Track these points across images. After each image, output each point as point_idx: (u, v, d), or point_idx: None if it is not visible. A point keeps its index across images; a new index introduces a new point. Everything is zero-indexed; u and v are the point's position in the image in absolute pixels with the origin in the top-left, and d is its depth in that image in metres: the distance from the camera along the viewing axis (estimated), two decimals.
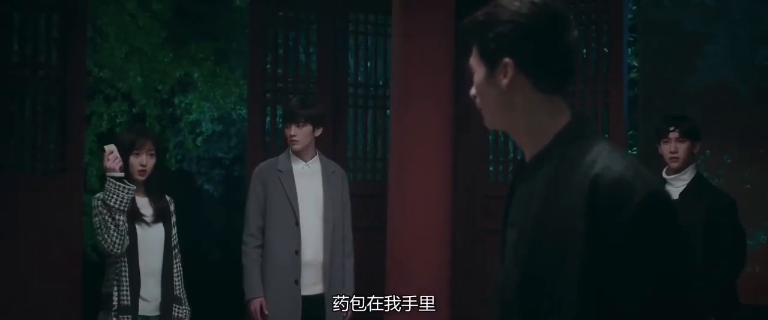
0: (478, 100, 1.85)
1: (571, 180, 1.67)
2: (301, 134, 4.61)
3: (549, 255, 1.68)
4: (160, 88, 10.93)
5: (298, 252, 4.55)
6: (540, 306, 1.70)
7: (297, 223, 4.57)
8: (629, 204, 1.59)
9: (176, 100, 11.18)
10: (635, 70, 9.27)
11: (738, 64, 8.03)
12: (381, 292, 5.08)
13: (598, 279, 1.62)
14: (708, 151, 8.27)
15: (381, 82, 6.36)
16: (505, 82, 1.76)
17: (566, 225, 1.65)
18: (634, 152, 9.03)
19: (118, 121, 10.88)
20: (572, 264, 1.63)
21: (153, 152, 4.00)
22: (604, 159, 1.66)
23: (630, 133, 9.81)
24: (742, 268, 4.46)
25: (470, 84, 1.86)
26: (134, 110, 10.95)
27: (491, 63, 1.78)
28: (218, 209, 12.77)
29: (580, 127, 1.76)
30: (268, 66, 6.06)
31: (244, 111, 9.74)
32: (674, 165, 4.46)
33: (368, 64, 6.49)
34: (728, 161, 8.23)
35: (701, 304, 1.67)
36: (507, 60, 1.75)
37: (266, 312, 4.55)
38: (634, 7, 9.13)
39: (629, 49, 9.86)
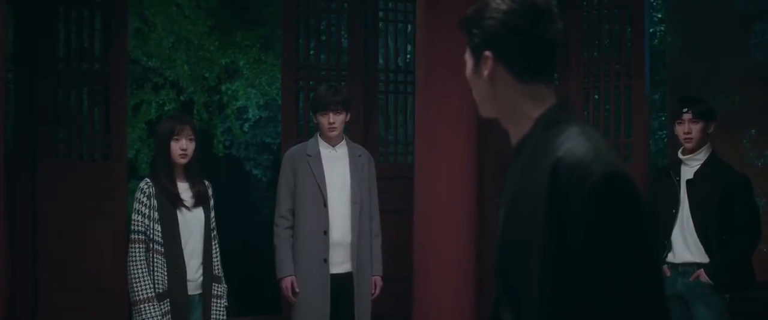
0: (473, 91, 2.03)
1: (541, 163, 1.82)
2: (338, 121, 4.81)
3: (520, 231, 1.85)
4: (206, 75, 11.20)
5: (326, 233, 4.75)
6: (513, 278, 1.88)
7: (325, 205, 4.76)
8: (585, 184, 1.71)
9: (223, 87, 11.43)
10: (674, 48, 9.17)
11: None
12: (410, 272, 5.29)
13: (559, 255, 1.75)
14: (753, 131, 8.24)
15: (410, 68, 6.53)
16: (486, 73, 1.93)
17: (533, 205, 1.80)
18: (664, 135, 8.96)
19: (166, 108, 11.18)
20: (537, 239, 1.79)
21: (192, 137, 4.18)
22: (570, 142, 1.79)
23: (663, 115, 9.82)
24: (757, 244, 4.55)
25: None
26: (182, 98, 11.25)
27: (476, 56, 1.96)
28: (267, 193, 12.96)
29: (557, 113, 1.90)
30: (301, 52, 6.27)
31: None
32: (688, 145, 4.58)
33: (398, 51, 6.66)
34: None
35: (656, 289, 1.73)
36: (487, 53, 1.92)
37: (297, 290, 4.76)
38: None
39: (663, 29, 9.86)
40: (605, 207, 1.70)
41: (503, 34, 1.90)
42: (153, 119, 11.14)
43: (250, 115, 11.95)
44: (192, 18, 10.69)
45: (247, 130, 12.22)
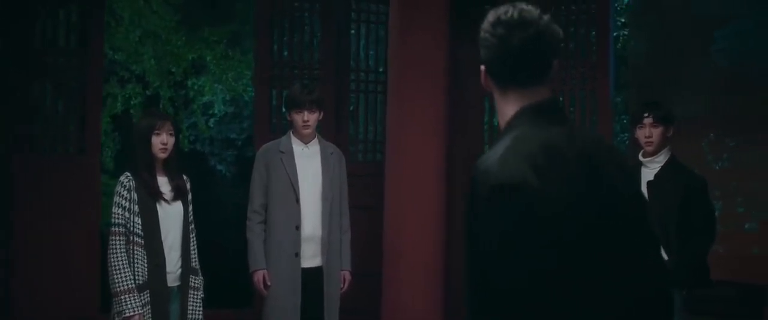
0: None
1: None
2: (312, 119, 4.93)
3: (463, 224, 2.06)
4: (173, 70, 11.20)
5: (298, 228, 4.87)
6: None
7: (297, 200, 4.89)
8: (474, 191, 1.93)
9: (189, 82, 11.46)
10: (637, 53, 9.34)
11: (747, 47, 8.04)
12: (378, 267, 5.42)
13: (468, 249, 1.96)
14: (712, 135, 8.45)
15: (381, 69, 6.65)
16: (483, 83, 2.15)
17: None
18: (626, 137, 9.13)
19: (132, 102, 11.18)
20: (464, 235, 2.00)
21: (172, 132, 4.30)
22: (492, 149, 2.00)
23: (625, 118, 10.03)
24: (712, 245, 4.72)
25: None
26: (148, 92, 11.25)
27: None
28: (231, 189, 12.98)
29: (515, 118, 2.06)
30: (275, 49, 6.37)
31: None
32: (649, 148, 4.74)
33: (370, 52, 6.79)
34: (732, 144, 8.37)
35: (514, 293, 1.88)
36: (482, 66, 2.13)
37: (269, 283, 4.87)
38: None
39: (627, 33, 10.06)
40: (482, 214, 1.90)
41: (484, 47, 2.09)
42: (119, 113, 11.15)
43: (216, 111, 11.99)
44: (160, 12, 10.71)
45: (212, 125, 12.25)
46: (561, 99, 6.44)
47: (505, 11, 2.06)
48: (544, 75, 2.06)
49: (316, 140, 5.04)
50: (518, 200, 1.86)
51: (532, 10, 2.05)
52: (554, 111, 2.07)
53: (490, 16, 2.07)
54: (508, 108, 2.09)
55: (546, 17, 2.04)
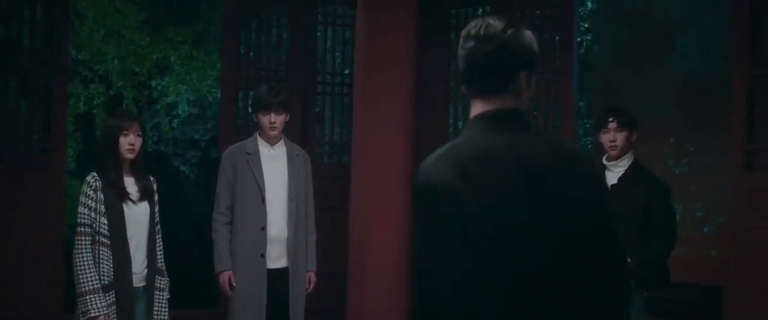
0: None
1: None
2: (279, 121, 4.95)
3: None
4: (137, 70, 11.14)
5: (264, 229, 4.88)
6: None
7: (263, 202, 4.90)
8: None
9: (153, 83, 11.40)
10: (601, 58, 9.49)
11: (707, 54, 8.18)
12: (343, 268, 5.45)
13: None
14: (673, 140, 8.59)
15: (347, 71, 6.68)
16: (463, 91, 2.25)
17: None
18: (589, 141, 9.22)
19: (95, 102, 11.11)
20: None
21: (140, 133, 4.30)
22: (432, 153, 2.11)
23: (588, 122, 10.16)
24: (673, 247, 4.81)
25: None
26: (111, 92, 11.18)
27: None
28: (194, 190, 12.93)
29: (466, 125, 2.18)
30: (241, 51, 6.38)
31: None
32: (613, 153, 4.82)
33: (336, 54, 6.82)
34: (692, 149, 8.52)
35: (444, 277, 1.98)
36: None
37: (234, 284, 4.88)
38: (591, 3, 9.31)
39: (590, 38, 10.19)
40: (413, 208, 2.07)
41: (458, 59, 2.19)
42: (81, 113, 11.07)
43: (180, 111, 11.94)
44: (124, 11, 10.66)
45: (176, 126, 12.20)
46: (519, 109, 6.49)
47: (475, 25, 2.15)
48: (506, 85, 2.12)
49: (282, 142, 5.06)
50: (437, 200, 1.97)
51: (496, 25, 2.11)
52: (508, 119, 2.12)
53: (464, 31, 2.16)
54: (472, 114, 2.17)
55: (511, 31, 2.10)
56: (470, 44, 2.12)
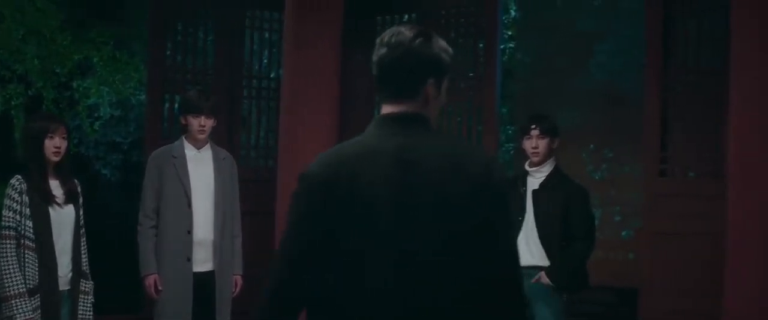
0: None
1: None
2: (208, 124, 4.97)
3: None
4: (58, 70, 10.91)
5: (190, 232, 4.88)
6: None
7: (189, 205, 4.90)
8: None
9: (75, 84, 11.19)
10: (523, 65, 9.67)
11: (625, 63, 8.40)
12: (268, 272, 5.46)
13: None
14: (592, 146, 8.81)
15: (273, 75, 6.71)
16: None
17: None
18: (511, 147, 9.38)
19: (13, 103, 10.86)
20: None
21: (65, 136, 4.27)
22: None
23: (510, 129, 10.36)
24: (592, 250, 4.97)
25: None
26: (30, 92, 10.94)
27: None
28: (116, 193, 12.76)
29: (367, 127, 2.25)
30: (168, 54, 6.36)
31: (143, 96, 9.88)
32: (535, 159, 4.96)
33: (263, 58, 6.84)
34: (610, 155, 8.75)
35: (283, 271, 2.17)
36: None
37: (160, 287, 4.86)
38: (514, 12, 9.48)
39: (513, 46, 10.39)
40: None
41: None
42: None
43: (102, 114, 11.76)
44: (44, 10, 10.44)
45: (97, 128, 12.01)
46: (449, 108, 6.58)
47: (389, 33, 2.24)
48: (413, 91, 2.20)
49: (208, 146, 5.07)
50: (310, 190, 2.13)
51: (407, 33, 2.20)
52: (405, 122, 2.19)
53: (379, 38, 2.25)
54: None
55: (419, 40, 2.18)
56: (383, 51, 2.20)
